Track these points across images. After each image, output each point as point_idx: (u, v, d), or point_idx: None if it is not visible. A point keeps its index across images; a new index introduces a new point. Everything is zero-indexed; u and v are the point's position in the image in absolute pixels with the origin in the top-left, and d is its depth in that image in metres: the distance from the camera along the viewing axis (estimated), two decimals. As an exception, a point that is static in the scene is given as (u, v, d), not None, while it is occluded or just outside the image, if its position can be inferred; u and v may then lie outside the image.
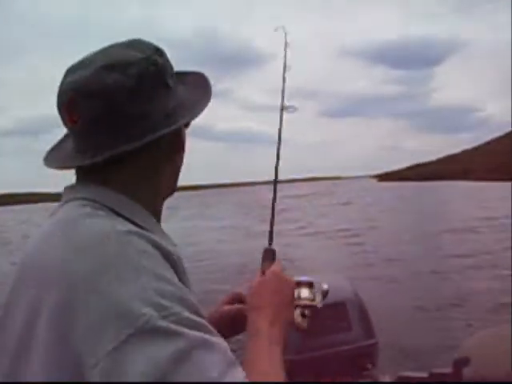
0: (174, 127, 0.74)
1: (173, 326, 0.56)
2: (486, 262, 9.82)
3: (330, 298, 0.96)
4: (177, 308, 0.58)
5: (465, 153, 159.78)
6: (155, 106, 0.73)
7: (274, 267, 0.90)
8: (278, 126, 1.09)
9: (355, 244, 13.18)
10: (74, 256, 0.62)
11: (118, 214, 0.70)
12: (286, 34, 1.19)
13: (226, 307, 1.01)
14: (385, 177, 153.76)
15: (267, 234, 0.99)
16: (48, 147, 0.83)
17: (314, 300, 0.93)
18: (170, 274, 0.63)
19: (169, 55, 0.78)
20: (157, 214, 0.79)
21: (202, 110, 0.78)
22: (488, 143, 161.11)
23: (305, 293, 0.93)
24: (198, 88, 0.82)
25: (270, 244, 0.97)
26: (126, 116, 0.70)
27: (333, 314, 2.08)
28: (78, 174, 0.76)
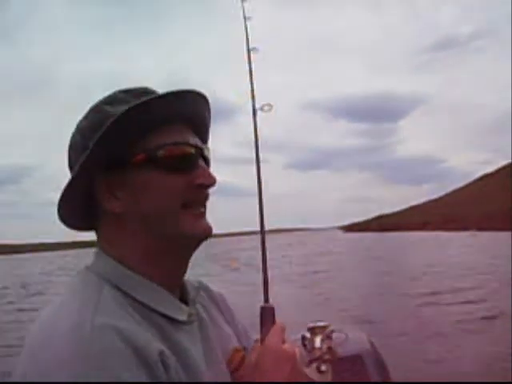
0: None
1: None
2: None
3: (346, 351, 0.92)
4: None
5: (425, 204, 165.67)
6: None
7: (272, 338, 0.80)
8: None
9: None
10: (39, 345, 0.63)
11: (118, 288, 0.71)
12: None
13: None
14: (350, 228, 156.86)
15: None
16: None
17: (328, 351, 0.85)
18: (134, 373, 0.60)
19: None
20: (155, 277, 0.76)
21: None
22: (447, 195, 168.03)
23: (318, 343, 0.86)
24: None
25: (266, 301, 0.88)
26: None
27: (349, 368, 1.91)
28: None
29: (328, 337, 0.88)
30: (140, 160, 0.74)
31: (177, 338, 0.72)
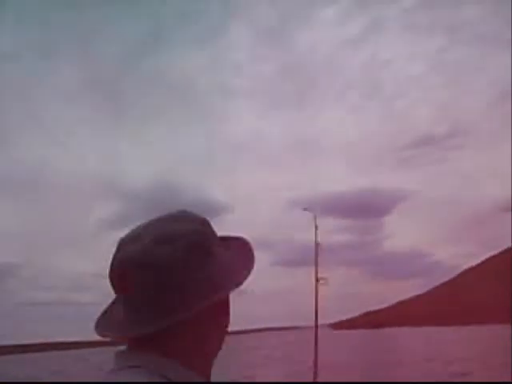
0: (222, 293, 0.76)
1: None
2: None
3: None
4: None
5: (412, 300, 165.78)
6: (204, 274, 0.75)
7: None
8: None
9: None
10: None
11: (172, 382, 0.72)
12: (315, 217, 1.66)
13: None
14: (339, 325, 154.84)
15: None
16: None
17: None
18: None
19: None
20: (207, 376, 0.80)
21: (247, 275, 0.79)
22: (433, 290, 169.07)
23: None
24: (241, 254, 0.84)
25: None
26: (178, 285, 0.73)
27: None
28: (129, 341, 0.77)
29: None
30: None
31: None
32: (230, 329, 0.86)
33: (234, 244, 0.86)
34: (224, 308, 0.81)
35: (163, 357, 0.75)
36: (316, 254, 1.27)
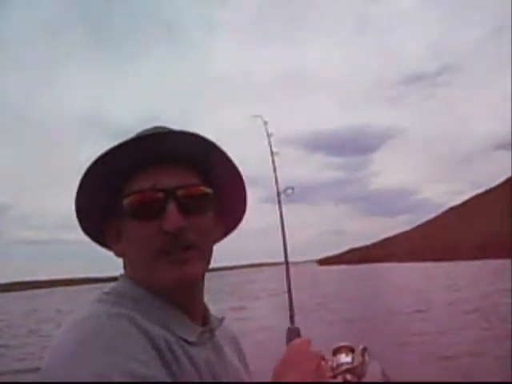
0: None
1: None
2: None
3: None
4: None
5: (396, 237, 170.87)
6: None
7: (298, 340, 0.81)
8: None
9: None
10: (61, 335, 0.66)
11: (135, 304, 0.73)
12: (266, 123, 1.37)
13: None
14: (325, 261, 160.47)
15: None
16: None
17: (353, 362, 0.86)
18: (147, 356, 0.63)
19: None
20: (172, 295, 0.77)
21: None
22: (418, 227, 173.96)
23: (343, 358, 0.87)
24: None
25: (292, 323, 0.93)
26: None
27: None
28: None
29: (356, 354, 0.88)
30: (119, 208, 0.77)
31: (189, 352, 0.73)
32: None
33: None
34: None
35: (125, 276, 0.80)
36: (273, 162, 1.51)
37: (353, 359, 0.88)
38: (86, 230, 0.86)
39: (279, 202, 1.14)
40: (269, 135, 1.45)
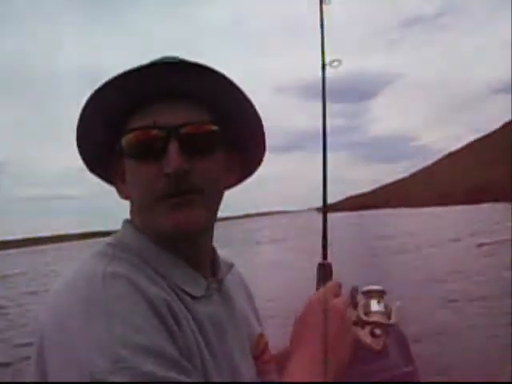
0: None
1: (126, 382, 0.52)
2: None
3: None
4: (137, 360, 0.54)
5: (395, 183, 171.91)
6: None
7: (319, 293, 0.74)
8: None
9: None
10: (54, 297, 0.62)
11: (138, 256, 0.69)
12: None
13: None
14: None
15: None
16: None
17: (385, 314, 0.80)
18: (146, 321, 0.58)
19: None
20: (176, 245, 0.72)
21: None
22: (415, 174, 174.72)
23: (375, 306, 0.81)
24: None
25: (324, 259, 0.83)
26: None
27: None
28: None
29: (383, 301, 0.82)
30: (119, 148, 0.71)
31: (193, 309, 0.68)
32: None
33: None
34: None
35: (129, 223, 0.76)
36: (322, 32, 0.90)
37: (385, 308, 0.82)
38: (92, 168, 0.80)
39: (323, 79, 0.90)
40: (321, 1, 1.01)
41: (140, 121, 0.70)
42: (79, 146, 0.75)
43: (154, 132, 0.68)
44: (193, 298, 0.71)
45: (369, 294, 0.82)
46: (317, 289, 0.79)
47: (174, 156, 0.67)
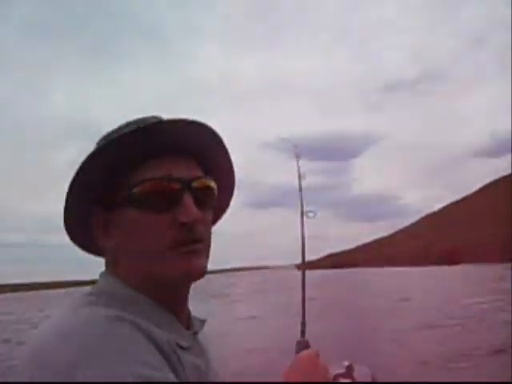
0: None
1: None
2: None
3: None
4: None
5: (375, 242, 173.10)
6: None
7: (307, 351, 0.82)
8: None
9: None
10: (58, 342, 0.58)
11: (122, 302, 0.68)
12: (295, 146, 1.27)
13: None
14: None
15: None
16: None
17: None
18: (155, 359, 0.60)
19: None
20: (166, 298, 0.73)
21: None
22: (395, 233, 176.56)
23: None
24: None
25: (302, 336, 0.90)
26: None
27: None
28: None
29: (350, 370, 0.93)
30: (124, 198, 0.71)
31: (182, 358, 0.69)
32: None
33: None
34: None
35: (109, 274, 0.75)
36: (300, 186, 1.47)
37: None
38: (69, 227, 0.77)
39: (302, 224, 1.12)
40: (298, 157, 1.35)
41: (150, 173, 0.72)
42: (66, 205, 0.74)
43: (171, 184, 0.72)
44: (181, 347, 0.72)
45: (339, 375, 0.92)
46: None
47: (190, 206, 0.71)
